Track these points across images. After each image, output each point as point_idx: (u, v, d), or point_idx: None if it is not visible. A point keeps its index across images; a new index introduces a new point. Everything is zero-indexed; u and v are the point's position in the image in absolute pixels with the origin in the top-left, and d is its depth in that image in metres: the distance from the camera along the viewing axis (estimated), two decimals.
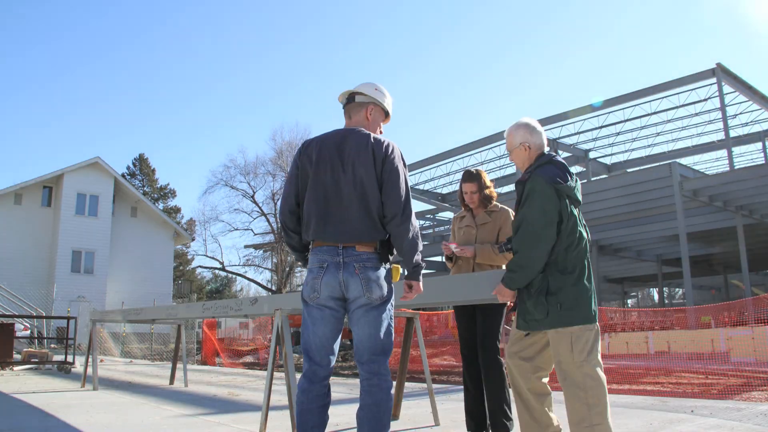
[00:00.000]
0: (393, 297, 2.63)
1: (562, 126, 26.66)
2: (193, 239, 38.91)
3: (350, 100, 2.77)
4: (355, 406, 2.52)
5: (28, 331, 15.98)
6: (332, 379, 2.92)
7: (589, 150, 29.63)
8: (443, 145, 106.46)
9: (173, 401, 6.01)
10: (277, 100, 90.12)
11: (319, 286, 2.50)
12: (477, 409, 3.70)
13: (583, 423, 2.64)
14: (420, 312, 4.81)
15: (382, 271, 2.59)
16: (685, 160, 26.41)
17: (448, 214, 43.26)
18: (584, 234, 2.78)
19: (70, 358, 10.85)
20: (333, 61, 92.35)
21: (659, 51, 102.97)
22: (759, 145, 28.53)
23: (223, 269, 42.02)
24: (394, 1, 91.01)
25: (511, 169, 31.07)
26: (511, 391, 3.06)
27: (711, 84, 21.82)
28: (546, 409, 2.91)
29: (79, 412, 5.07)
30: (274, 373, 3.97)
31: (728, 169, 22.10)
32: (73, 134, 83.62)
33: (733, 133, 24.36)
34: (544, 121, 25.81)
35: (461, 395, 6.24)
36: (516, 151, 2.93)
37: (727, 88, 21.51)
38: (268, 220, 37.35)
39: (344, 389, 7.37)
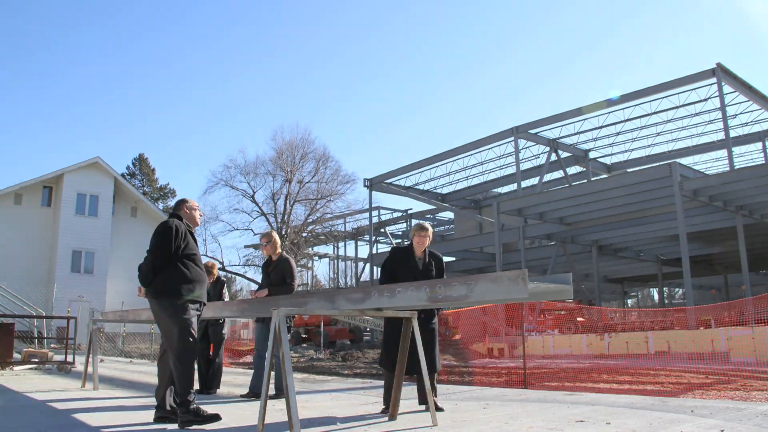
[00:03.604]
0: None
1: (562, 126, 26.66)
2: None
3: None
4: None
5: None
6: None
7: (589, 150, 29.62)
8: (443, 145, 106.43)
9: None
10: (277, 100, 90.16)
11: None
12: None
13: None
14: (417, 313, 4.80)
15: None
16: (685, 160, 26.41)
17: (449, 214, 43.29)
18: None
19: (70, 358, 10.84)
20: (333, 61, 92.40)
21: (659, 51, 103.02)
22: (759, 145, 28.53)
23: (223, 269, 42.01)
24: (395, 0, 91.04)
25: (511, 169, 31.10)
26: None
27: (711, 84, 21.82)
28: None
29: (80, 411, 5.06)
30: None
31: (728, 169, 22.09)
32: (73, 134, 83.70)
33: (733, 133, 24.36)
34: (546, 121, 25.84)
35: (462, 395, 6.25)
36: None
37: (727, 88, 21.50)
38: (268, 220, 37.36)
39: (344, 388, 7.37)
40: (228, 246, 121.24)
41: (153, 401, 5.91)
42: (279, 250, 6.35)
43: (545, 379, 10.19)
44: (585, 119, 26.10)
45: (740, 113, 25.71)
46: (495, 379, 10.46)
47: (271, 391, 5.74)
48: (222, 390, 6.94)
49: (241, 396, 6.33)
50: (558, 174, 30.67)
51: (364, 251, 46.00)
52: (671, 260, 28.18)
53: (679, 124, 26.86)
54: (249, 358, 17.82)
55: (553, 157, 27.80)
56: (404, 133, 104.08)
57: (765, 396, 7.15)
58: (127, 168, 49.91)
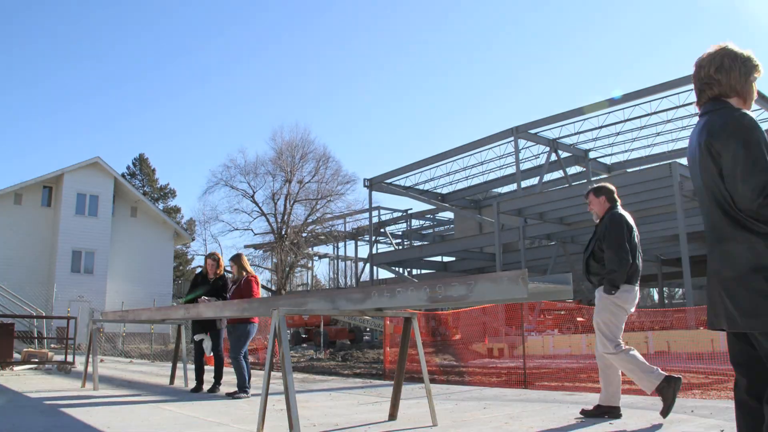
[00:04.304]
0: None
1: (562, 126, 26.66)
2: (193, 239, 38.92)
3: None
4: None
5: None
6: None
7: (589, 150, 29.60)
8: (443, 145, 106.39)
9: (173, 401, 6.02)
10: (277, 100, 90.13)
11: None
12: None
13: None
14: (418, 313, 4.81)
15: None
16: (685, 160, 26.38)
17: (448, 215, 43.29)
18: None
19: (70, 358, 10.85)
20: (333, 60, 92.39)
21: (659, 51, 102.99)
22: None
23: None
24: (395, 0, 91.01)
25: (511, 169, 31.10)
26: None
27: None
28: None
29: (80, 411, 5.07)
30: (272, 372, 3.97)
31: None
32: (73, 134, 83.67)
33: None
34: (546, 121, 25.81)
35: (462, 395, 6.25)
36: None
37: None
38: (268, 220, 37.35)
39: (344, 387, 7.37)
40: (228, 246, 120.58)
41: (151, 400, 5.92)
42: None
43: (545, 379, 10.19)
44: (585, 119, 26.09)
45: None
46: (495, 379, 10.45)
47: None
48: (222, 390, 6.95)
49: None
50: (558, 174, 30.67)
51: (364, 251, 46.00)
52: (671, 260, 28.16)
53: (679, 124, 26.85)
54: (250, 358, 17.80)
55: (553, 157, 27.79)
56: (404, 133, 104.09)
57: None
58: (127, 168, 49.87)
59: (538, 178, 27.66)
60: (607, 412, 4.34)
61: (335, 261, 50.98)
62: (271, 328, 3.81)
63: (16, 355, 11.44)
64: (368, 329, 29.05)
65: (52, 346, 18.27)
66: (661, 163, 23.53)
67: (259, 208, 37.41)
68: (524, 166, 30.13)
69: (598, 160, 30.79)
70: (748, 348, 2.05)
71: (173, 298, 30.58)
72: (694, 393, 7.55)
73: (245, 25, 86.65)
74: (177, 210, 50.68)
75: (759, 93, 21.03)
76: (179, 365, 8.08)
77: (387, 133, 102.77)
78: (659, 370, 4.27)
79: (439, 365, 13.91)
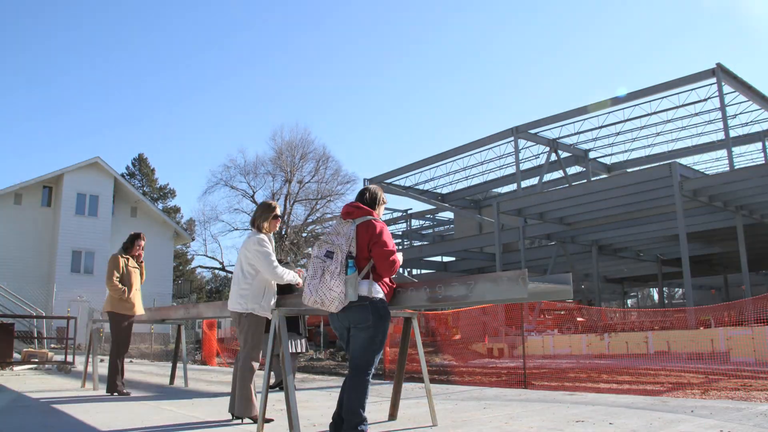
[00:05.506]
0: None
1: (562, 126, 26.67)
2: (192, 239, 38.91)
3: None
4: None
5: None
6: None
7: (589, 150, 29.61)
8: (443, 145, 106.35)
9: (173, 401, 6.01)
10: (277, 100, 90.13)
11: None
12: None
13: None
14: (418, 313, 4.81)
15: None
16: (685, 160, 26.42)
17: (449, 214, 43.30)
18: None
19: (70, 358, 10.84)
20: (333, 61, 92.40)
21: (659, 51, 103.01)
22: (759, 145, 28.53)
23: (222, 269, 42.03)
24: (394, 0, 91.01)
25: (511, 169, 31.11)
26: None
27: (711, 84, 21.82)
28: None
29: (80, 411, 5.06)
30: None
31: (728, 169, 22.09)
32: (73, 134, 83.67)
33: (733, 133, 24.37)
34: (546, 121, 25.84)
35: (462, 395, 6.25)
36: None
37: (727, 88, 21.50)
38: None
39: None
40: (228, 246, 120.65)
41: (151, 400, 5.92)
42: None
43: (545, 379, 10.19)
44: (585, 119, 26.10)
45: (740, 113, 25.71)
46: (495, 379, 10.46)
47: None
48: (222, 390, 6.94)
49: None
50: (558, 174, 30.69)
51: None
52: (671, 260, 28.16)
53: (679, 124, 26.88)
54: None
55: (553, 157, 27.80)
56: (404, 133, 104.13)
57: (765, 396, 7.15)
58: (127, 168, 49.85)
59: (538, 178, 27.66)
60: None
61: None
62: (271, 328, 3.80)
63: (16, 355, 11.43)
64: None
65: (52, 346, 18.25)
66: (661, 163, 23.54)
67: None
68: (524, 166, 30.14)
69: (598, 160, 30.80)
70: None
71: (173, 298, 30.56)
72: (694, 393, 7.56)
73: (245, 26, 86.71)
74: (177, 210, 50.68)
75: (758, 93, 21.10)
76: (179, 365, 8.07)
77: (387, 133, 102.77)
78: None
79: (439, 365, 13.91)
